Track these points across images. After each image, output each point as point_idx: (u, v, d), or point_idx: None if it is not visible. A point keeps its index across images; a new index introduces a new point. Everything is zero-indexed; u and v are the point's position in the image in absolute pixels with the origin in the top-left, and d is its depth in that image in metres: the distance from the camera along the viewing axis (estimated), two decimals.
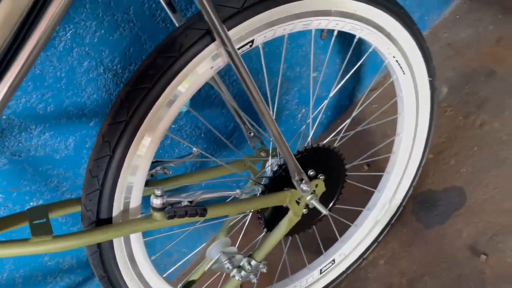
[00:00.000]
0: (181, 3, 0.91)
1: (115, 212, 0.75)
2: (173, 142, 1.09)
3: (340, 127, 1.04)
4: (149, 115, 0.71)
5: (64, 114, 0.89)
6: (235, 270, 0.93)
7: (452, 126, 1.30)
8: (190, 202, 0.77)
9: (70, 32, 0.80)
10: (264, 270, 0.97)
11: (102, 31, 0.84)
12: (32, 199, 0.95)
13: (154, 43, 0.91)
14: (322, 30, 0.95)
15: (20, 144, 0.87)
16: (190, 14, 0.93)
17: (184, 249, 1.29)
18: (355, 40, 0.91)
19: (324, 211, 0.94)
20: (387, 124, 1.13)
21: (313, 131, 0.98)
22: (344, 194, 1.04)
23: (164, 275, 0.91)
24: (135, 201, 0.77)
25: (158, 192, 0.73)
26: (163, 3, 0.79)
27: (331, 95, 1.01)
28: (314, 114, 0.98)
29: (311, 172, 0.93)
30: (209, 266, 0.91)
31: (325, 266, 1.15)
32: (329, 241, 1.16)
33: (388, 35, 0.92)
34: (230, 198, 0.94)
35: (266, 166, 0.97)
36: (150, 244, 1.16)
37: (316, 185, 0.94)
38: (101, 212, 0.74)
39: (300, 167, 0.88)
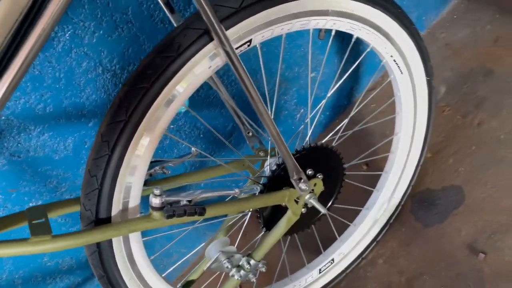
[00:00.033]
0: (179, 3, 0.91)
1: (114, 211, 0.75)
2: (172, 142, 1.10)
3: (338, 127, 1.04)
4: (148, 114, 0.71)
5: (63, 115, 0.89)
6: (234, 270, 0.93)
7: (450, 126, 1.31)
8: (189, 201, 0.78)
9: (69, 32, 0.81)
10: (263, 270, 0.97)
11: (101, 32, 0.84)
12: (31, 200, 0.95)
13: (152, 44, 0.92)
14: (320, 30, 0.95)
15: (19, 144, 0.87)
16: (189, 14, 0.93)
17: (183, 250, 1.29)
18: (353, 40, 0.92)
19: (322, 210, 0.95)
20: (386, 124, 1.13)
21: (311, 130, 0.98)
22: (343, 194, 1.04)
23: (163, 275, 0.91)
24: (134, 201, 0.77)
25: (157, 192, 0.74)
26: (161, 3, 0.79)
27: (329, 94, 1.01)
28: (312, 114, 0.99)
29: (309, 172, 0.93)
30: (208, 265, 0.91)
31: (324, 265, 1.15)
32: (328, 241, 1.17)
33: (385, 35, 0.92)
34: (229, 197, 0.94)
35: (265, 165, 0.97)
36: (150, 244, 1.16)
37: (315, 184, 0.95)
38: (100, 212, 0.74)
39: (298, 166, 0.88)
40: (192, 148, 0.96)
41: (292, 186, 0.91)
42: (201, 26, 0.70)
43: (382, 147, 1.16)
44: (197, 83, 0.75)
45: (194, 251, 1.14)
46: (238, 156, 1.01)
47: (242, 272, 0.94)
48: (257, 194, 0.91)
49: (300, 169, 0.89)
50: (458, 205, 1.17)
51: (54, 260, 1.08)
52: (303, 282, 1.14)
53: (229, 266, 0.91)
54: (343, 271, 1.18)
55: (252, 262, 0.94)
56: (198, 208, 0.76)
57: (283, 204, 0.93)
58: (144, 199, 0.79)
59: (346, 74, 1.06)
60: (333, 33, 0.89)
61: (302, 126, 1.01)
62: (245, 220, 1.00)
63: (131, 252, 0.81)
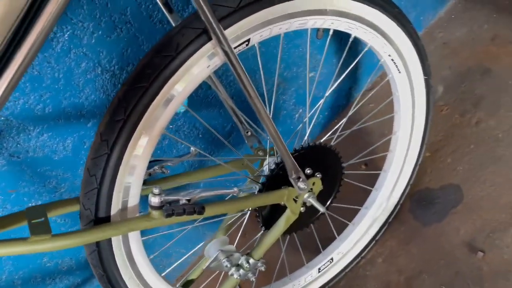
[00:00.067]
0: (178, 3, 0.92)
1: (113, 210, 0.75)
2: (171, 142, 1.10)
3: (337, 126, 1.05)
4: (147, 113, 0.71)
5: (62, 115, 0.89)
6: (233, 269, 0.93)
7: (449, 125, 1.31)
8: (188, 200, 0.78)
9: (68, 33, 0.81)
10: (263, 268, 0.97)
11: (100, 32, 0.84)
12: (30, 200, 0.95)
13: (151, 44, 0.92)
14: (318, 29, 0.96)
15: (18, 145, 0.87)
16: (187, 15, 0.94)
17: (182, 250, 1.30)
18: (351, 39, 0.92)
19: (321, 209, 0.95)
20: (384, 123, 1.14)
21: (309, 130, 0.98)
22: (341, 193, 1.04)
23: (162, 274, 0.92)
24: (133, 200, 0.78)
25: (156, 191, 0.74)
26: (160, 3, 0.80)
27: (327, 94, 1.02)
28: (310, 113, 0.99)
29: (308, 171, 0.93)
30: (207, 264, 0.91)
31: (324, 264, 1.15)
32: (327, 240, 1.17)
33: (383, 34, 0.92)
34: (228, 196, 0.94)
35: (264, 164, 0.98)
36: (149, 244, 1.16)
37: (313, 183, 0.95)
38: (99, 211, 0.74)
39: (297, 165, 0.88)
40: (191, 148, 0.96)
41: (291, 185, 0.91)
42: (199, 26, 0.70)
43: (380, 146, 1.16)
44: (196, 82, 0.75)
45: (193, 250, 1.14)
46: (237, 156, 1.01)
47: (241, 271, 0.94)
48: (256, 193, 0.92)
49: (299, 168, 0.89)
50: (456, 203, 1.17)
51: (54, 260, 1.08)
52: (302, 281, 1.14)
53: (228, 265, 0.92)
54: (342, 270, 1.18)
55: (251, 261, 0.95)
56: (197, 207, 0.77)
57: (282, 203, 0.93)
58: (143, 199, 0.79)
59: (344, 73, 1.06)
60: (331, 32, 0.89)
61: (301, 126, 1.02)
62: (244, 219, 1.00)
63: (130, 251, 0.81)
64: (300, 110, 1.33)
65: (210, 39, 0.71)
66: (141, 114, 0.71)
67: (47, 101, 0.85)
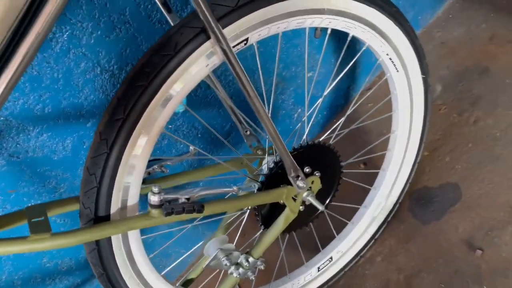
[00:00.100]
0: (177, 3, 0.92)
1: (113, 209, 0.76)
2: (170, 142, 1.10)
3: (335, 125, 1.05)
4: (146, 113, 0.72)
5: (61, 115, 0.90)
6: (233, 267, 0.93)
7: (447, 124, 1.31)
8: (188, 199, 0.78)
9: (67, 33, 0.81)
10: (262, 267, 0.97)
11: (99, 32, 0.85)
12: (30, 200, 0.95)
13: (150, 44, 0.92)
14: (316, 29, 0.96)
15: (18, 145, 0.87)
16: (186, 14, 0.94)
17: (182, 250, 1.30)
18: (349, 39, 0.92)
19: (320, 207, 0.95)
20: (382, 122, 1.14)
21: (308, 129, 0.99)
22: (340, 192, 1.05)
23: (162, 273, 0.92)
24: (133, 199, 0.78)
25: (155, 189, 0.74)
26: (158, 3, 0.80)
27: (325, 93, 1.02)
28: (309, 112, 1.00)
29: (307, 169, 0.94)
30: (207, 263, 0.91)
31: (323, 263, 1.15)
32: (327, 239, 1.17)
33: (381, 33, 0.93)
34: (228, 195, 0.94)
35: (263, 163, 0.98)
36: (149, 243, 1.17)
37: (312, 182, 0.95)
38: (99, 210, 0.75)
39: (296, 164, 0.89)
40: (191, 147, 0.96)
41: (290, 184, 0.91)
42: (198, 25, 0.71)
43: (379, 145, 1.17)
44: (195, 81, 0.75)
45: (192, 249, 1.14)
46: (236, 155, 1.01)
47: (241, 269, 0.94)
48: (255, 192, 0.92)
49: (298, 167, 0.89)
50: (455, 202, 1.18)
51: (54, 261, 1.08)
52: (302, 280, 1.15)
53: (228, 264, 0.92)
54: (341, 269, 1.19)
55: (250, 259, 0.95)
56: (197, 205, 0.77)
57: (281, 201, 0.94)
58: (143, 197, 0.80)
59: (343, 73, 1.07)
60: (328, 31, 0.89)
61: (299, 125, 1.02)
62: (244, 218, 1.01)
63: (130, 250, 0.82)
64: (299, 110, 1.34)
65: (208, 38, 0.71)
66: (140, 113, 0.71)
67: (47, 101, 0.86)
